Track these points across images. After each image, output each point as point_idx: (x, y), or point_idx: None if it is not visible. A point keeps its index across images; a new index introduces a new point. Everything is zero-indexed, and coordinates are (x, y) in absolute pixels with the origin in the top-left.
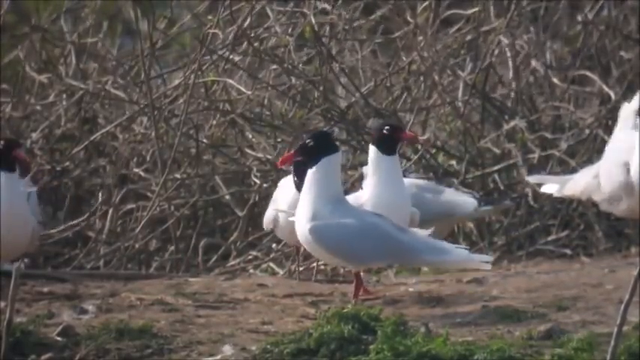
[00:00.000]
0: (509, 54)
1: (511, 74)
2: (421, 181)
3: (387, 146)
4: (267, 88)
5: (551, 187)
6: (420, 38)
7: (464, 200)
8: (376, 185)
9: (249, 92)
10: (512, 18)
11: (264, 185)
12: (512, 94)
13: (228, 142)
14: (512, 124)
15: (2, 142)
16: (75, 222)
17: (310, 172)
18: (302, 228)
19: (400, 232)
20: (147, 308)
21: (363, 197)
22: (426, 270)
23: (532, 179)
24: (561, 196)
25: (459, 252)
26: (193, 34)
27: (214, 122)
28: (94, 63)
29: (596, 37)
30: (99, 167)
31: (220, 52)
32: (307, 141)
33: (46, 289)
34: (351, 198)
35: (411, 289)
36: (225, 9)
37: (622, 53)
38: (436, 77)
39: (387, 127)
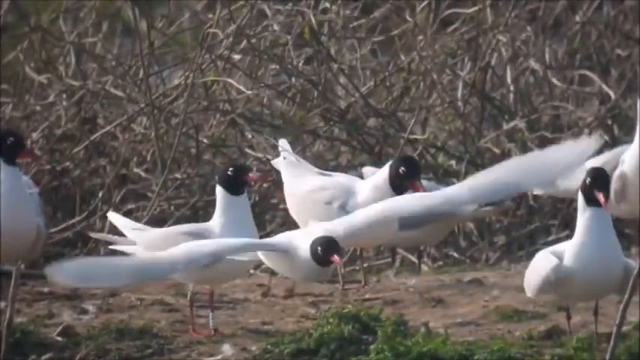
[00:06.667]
0: (504, 53)
1: (510, 74)
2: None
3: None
4: (266, 89)
5: None
6: (420, 37)
7: None
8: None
9: (249, 92)
10: (510, 17)
11: (264, 185)
12: (512, 94)
13: (228, 142)
14: (512, 123)
15: (13, 138)
16: (74, 221)
17: None
18: None
19: None
20: (147, 308)
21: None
22: (426, 270)
23: None
24: (546, 194)
25: None
26: (193, 34)
27: (214, 122)
28: (93, 63)
29: (595, 37)
30: (99, 167)
31: (219, 52)
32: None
33: (46, 289)
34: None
35: (411, 289)
36: (224, 8)
37: (619, 51)
38: (435, 76)
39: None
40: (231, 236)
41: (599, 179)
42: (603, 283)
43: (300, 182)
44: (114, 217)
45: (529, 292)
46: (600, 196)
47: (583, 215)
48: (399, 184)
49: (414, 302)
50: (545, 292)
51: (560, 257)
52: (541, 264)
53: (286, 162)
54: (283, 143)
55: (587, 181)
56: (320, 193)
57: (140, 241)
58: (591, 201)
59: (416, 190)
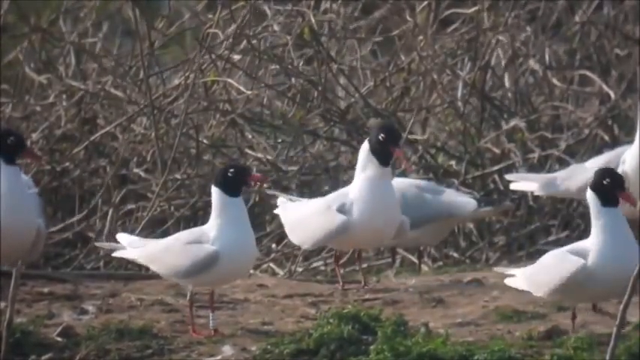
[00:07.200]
0: (502, 55)
1: (509, 74)
2: (421, 182)
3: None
4: (266, 89)
5: (530, 185)
6: (420, 38)
7: (464, 201)
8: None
9: (249, 92)
10: (510, 17)
11: (264, 186)
12: (511, 94)
13: (228, 142)
14: (511, 123)
15: (13, 138)
16: (73, 220)
17: None
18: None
19: None
20: (147, 308)
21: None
22: (426, 270)
23: (510, 177)
24: (546, 194)
25: None
26: (193, 34)
27: (214, 122)
28: (93, 63)
29: (595, 37)
30: (99, 167)
31: (219, 52)
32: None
33: (46, 290)
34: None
35: (411, 290)
36: (224, 8)
37: (619, 51)
38: (435, 77)
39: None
40: (228, 238)
41: (618, 179)
42: (625, 282)
43: (298, 208)
44: (121, 237)
45: (541, 292)
46: (628, 196)
47: (600, 215)
48: (381, 151)
49: (414, 302)
50: (562, 293)
51: (583, 257)
52: (564, 264)
53: (282, 206)
54: (281, 200)
55: (604, 182)
56: (318, 203)
57: (141, 255)
58: (608, 201)
59: (398, 156)
